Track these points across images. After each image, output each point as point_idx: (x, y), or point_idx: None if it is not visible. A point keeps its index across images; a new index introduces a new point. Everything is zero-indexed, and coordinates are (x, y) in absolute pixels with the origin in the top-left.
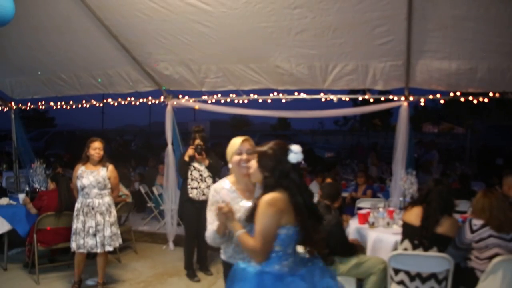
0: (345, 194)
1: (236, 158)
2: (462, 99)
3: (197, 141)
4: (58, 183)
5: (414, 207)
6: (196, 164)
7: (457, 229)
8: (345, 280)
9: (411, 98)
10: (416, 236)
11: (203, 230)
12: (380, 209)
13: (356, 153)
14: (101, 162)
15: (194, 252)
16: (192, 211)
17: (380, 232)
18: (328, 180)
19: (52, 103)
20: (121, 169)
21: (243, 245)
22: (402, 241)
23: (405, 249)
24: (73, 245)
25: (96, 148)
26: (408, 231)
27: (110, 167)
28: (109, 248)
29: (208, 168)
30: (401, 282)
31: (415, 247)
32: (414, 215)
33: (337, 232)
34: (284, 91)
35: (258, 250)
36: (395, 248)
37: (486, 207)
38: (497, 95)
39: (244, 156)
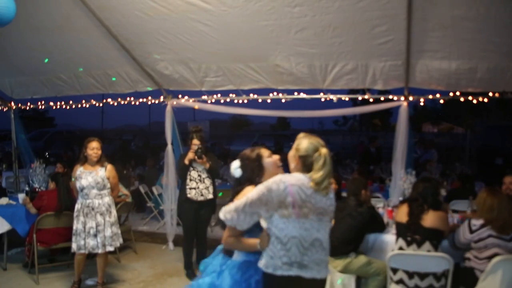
0: (344, 195)
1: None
2: (462, 99)
3: (194, 141)
4: (57, 183)
5: (402, 206)
6: (195, 165)
7: (446, 222)
8: (346, 278)
9: (410, 98)
10: (406, 232)
11: (202, 230)
12: (380, 209)
13: (357, 152)
14: (100, 162)
15: (193, 252)
16: (190, 211)
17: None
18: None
19: (51, 103)
20: (120, 169)
21: None
22: (396, 240)
23: (400, 247)
24: (74, 246)
25: (93, 148)
26: (400, 229)
27: (109, 166)
28: (110, 248)
29: (209, 171)
30: (400, 281)
31: (408, 243)
32: (402, 214)
33: (374, 215)
34: (283, 91)
35: None
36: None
37: (494, 206)
38: (496, 95)
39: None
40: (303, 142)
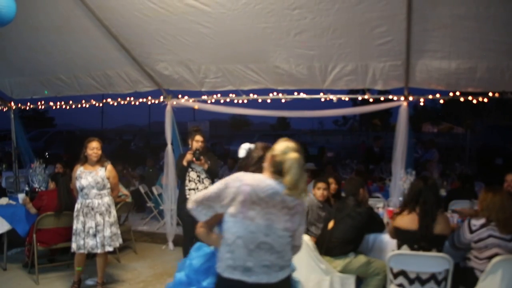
0: (344, 194)
1: None
2: (462, 99)
3: (197, 137)
4: (57, 183)
5: (406, 211)
6: (194, 165)
7: (449, 226)
8: (346, 278)
9: (410, 98)
10: (415, 240)
11: None
12: (380, 209)
13: (358, 152)
14: (100, 162)
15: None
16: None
17: (379, 232)
18: (321, 183)
19: (51, 103)
20: (120, 170)
21: None
22: (399, 247)
23: None
24: (73, 246)
25: (93, 148)
26: (406, 237)
27: (109, 166)
28: (109, 249)
29: (207, 171)
30: (400, 286)
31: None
32: (409, 219)
33: (373, 215)
34: (283, 91)
35: None
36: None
37: (500, 203)
38: (496, 95)
39: None
40: (280, 144)
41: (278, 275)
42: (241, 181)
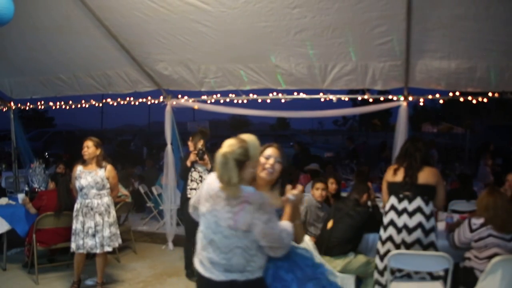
0: (344, 194)
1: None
2: (462, 99)
3: (200, 139)
4: (57, 183)
5: (393, 168)
6: (196, 165)
7: (436, 176)
8: (346, 278)
9: (410, 98)
10: (400, 190)
11: None
12: (380, 209)
13: (358, 152)
14: (98, 162)
15: (194, 252)
16: None
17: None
18: (319, 184)
19: (51, 103)
20: (127, 170)
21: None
22: (388, 199)
23: (392, 205)
24: (73, 246)
25: (84, 146)
26: (393, 188)
27: (109, 167)
28: (108, 249)
29: (211, 172)
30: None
31: (400, 200)
32: (395, 173)
33: (372, 215)
34: (283, 91)
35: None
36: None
37: (490, 205)
38: (496, 95)
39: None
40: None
41: (221, 276)
42: (205, 180)
